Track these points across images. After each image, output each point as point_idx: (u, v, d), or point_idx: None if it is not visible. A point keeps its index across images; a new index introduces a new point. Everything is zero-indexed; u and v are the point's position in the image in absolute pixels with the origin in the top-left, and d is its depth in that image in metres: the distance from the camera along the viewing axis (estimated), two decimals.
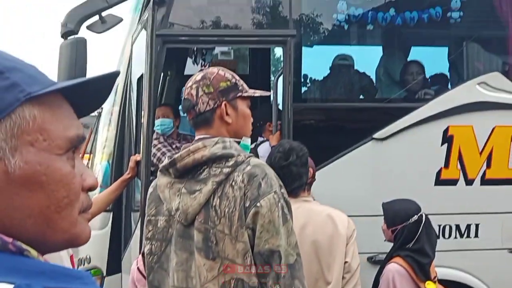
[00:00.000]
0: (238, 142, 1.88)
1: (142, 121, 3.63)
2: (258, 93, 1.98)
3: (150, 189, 1.98)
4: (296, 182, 2.67)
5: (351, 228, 2.74)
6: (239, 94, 1.87)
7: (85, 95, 0.78)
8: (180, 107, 3.76)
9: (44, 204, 0.70)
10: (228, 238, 1.72)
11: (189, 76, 6.48)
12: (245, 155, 1.81)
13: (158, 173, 1.90)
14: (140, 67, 3.98)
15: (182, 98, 1.93)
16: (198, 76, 1.89)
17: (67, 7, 3.66)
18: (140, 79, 4.05)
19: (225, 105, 1.84)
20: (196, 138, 1.88)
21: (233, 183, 1.74)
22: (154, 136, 3.99)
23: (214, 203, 1.74)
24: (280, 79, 3.90)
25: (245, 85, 1.92)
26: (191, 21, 3.93)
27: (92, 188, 0.78)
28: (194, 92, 1.86)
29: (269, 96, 3.95)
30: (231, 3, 3.96)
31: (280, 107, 3.91)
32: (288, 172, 2.60)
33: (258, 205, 1.71)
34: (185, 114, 1.96)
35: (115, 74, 0.80)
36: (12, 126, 0.69)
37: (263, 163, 1.87)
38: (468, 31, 4.24)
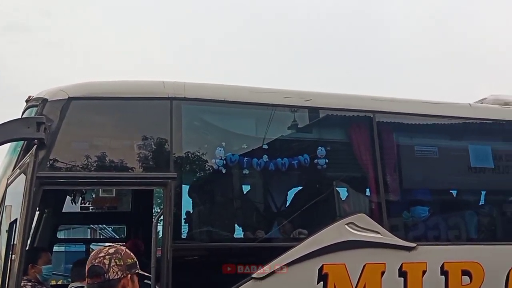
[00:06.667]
0: None
1: (12, 264, 3.45)
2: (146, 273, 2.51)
3: None
4: None
5: None
6: (137, 270, 2.37)
7: None
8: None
9: None
10: None
11: (68, 213, 6.25)
12: None
13: None
14: (15, 209, 3.82)
15: (91, 264, 2.29)
16: (111, 250, 2.34)
17: None
18: (14, 221, 3.86)
19: (130, 277, 2.30)
20: None
21: None
22: (22, 283, 3.73)
23: None
24: (161, 218, 3.95)
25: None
26: (72, 164, 3.93)
27: None
28: (107, 262, 2.27)
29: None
30: (112, 146, 4.06)
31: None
32: None
33: None
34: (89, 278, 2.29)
35: None
36: None
37: None
38: (333, 176, 4.69)
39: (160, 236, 4.23)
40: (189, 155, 4.18)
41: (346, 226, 4.32)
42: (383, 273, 4.31)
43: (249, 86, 4.51)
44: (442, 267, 4.48)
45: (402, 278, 4.36)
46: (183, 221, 4.18)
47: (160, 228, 4.16)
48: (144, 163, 4.08)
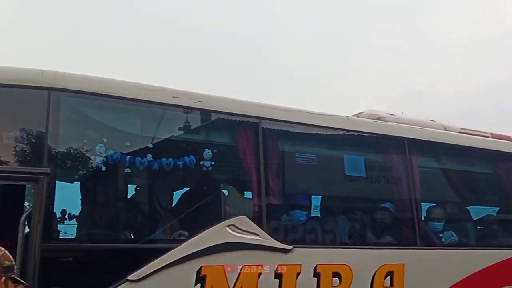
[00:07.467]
0: None
1: None
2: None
3: None
4: None
5: None
6: (13, 275, 2.27)
7: None
8: None
9: None
10: None
11: None
12: None
13: None
14: None
15: None
16: None
17: None
18: None
19: (4, 280, 2.19)
20: None
21: None
22: None
23: None
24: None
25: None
26: None
27: None
28: None
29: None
30: None
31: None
32: None
33: None
34: None
35: None
36: None
37: None
38: (218, 178, 4.74)
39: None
40: (66, 150, 3.95)
41: (227, 228, 4.38)
42: (260, 274, 4.43)
43: (137, 82, 4.38)
44: (315, 269, 4.71)
45: (278, 280, 4.52)
46: (55, 220, 3.95)
47: (28, 226, 3.88)
48: (15, 156, 3.79)
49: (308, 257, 4.75)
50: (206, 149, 4.51)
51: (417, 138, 5.76)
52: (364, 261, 5.06)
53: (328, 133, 5.33)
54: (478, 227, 6.46)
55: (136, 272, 3.87)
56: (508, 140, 6.73)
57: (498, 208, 6.73)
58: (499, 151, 6.42)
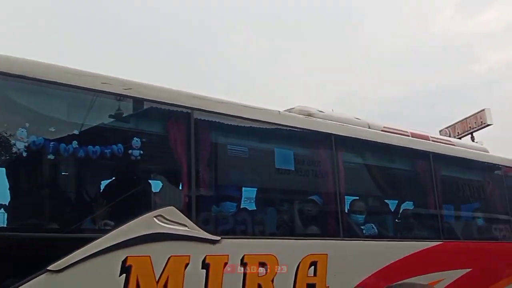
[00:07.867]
0: None
1: None
2: None
3: None
4: None
5: None
6: None
7: None
8: None
9: None
10: None
11: None
12: None
13: None
14: None
15: None
16: None
17: None
18: None
19: None
20: None
21: None
22: None
23: None
24: None
25: None
26: None
27: None
28: None
29: None
30: None
31: None
32: None
33: None
34: None
35: None
36: None
37: None
38: (147, 168, 4.67)
39: None
40: None
41: (154, 218, 4.33)
42: (187, 265, 4.42)
43: (66, 66, 4.20)
44: (242, 259, 4.78)
45: (205, 270, 4.54)
46: None
47: None
48: None
49: (236, 248, 4.81)
50: (135, 138, 4.42)
51: (343, 134, 5.99)
52: (289, 251, 5.20)
53: (260, 127, 5.40)
54: (396, 220, 6.86)
55: (57, 263, 3.74)
56: (426, 140, 7.18)
57: (413, 203, 7.18)
58: (416, 149, 6.83)
